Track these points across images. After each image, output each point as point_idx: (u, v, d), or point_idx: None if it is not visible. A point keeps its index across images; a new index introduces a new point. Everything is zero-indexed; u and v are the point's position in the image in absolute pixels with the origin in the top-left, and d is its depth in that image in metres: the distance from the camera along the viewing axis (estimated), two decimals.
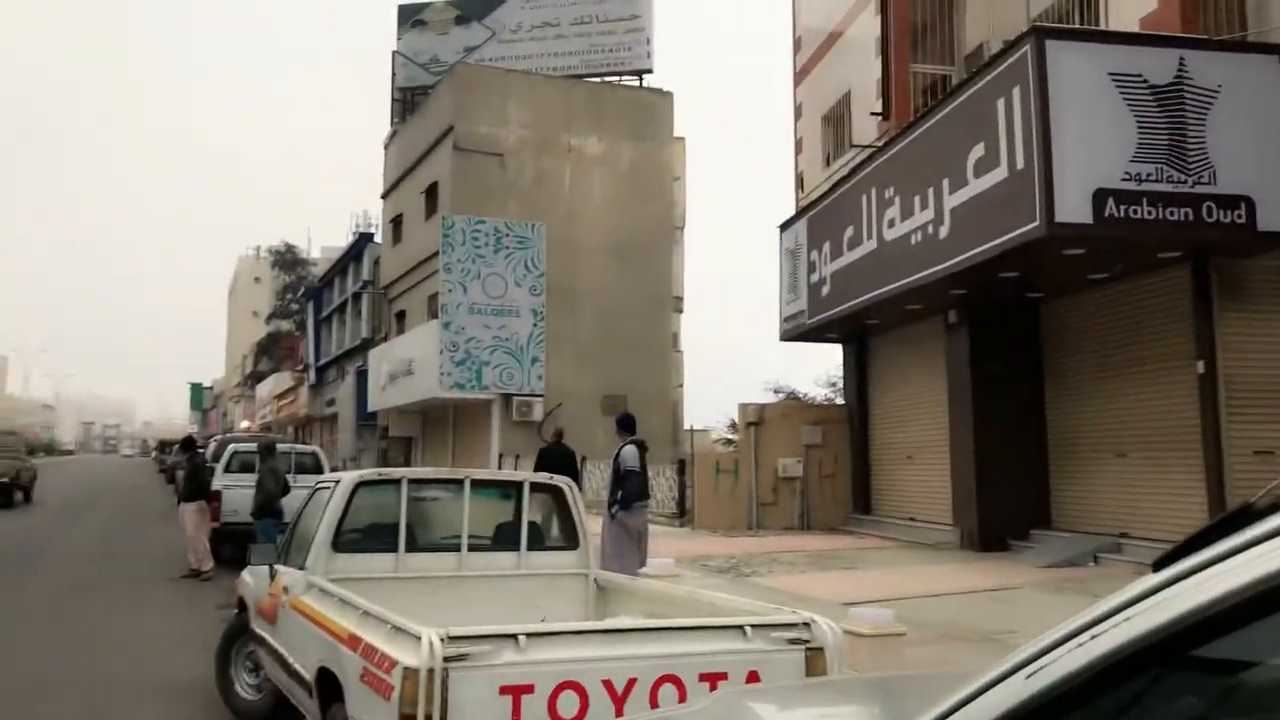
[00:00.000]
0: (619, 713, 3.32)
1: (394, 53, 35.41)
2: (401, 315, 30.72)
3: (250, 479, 13.44)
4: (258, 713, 5.89)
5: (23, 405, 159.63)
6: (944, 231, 11.63)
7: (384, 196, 33.22)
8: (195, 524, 12.60)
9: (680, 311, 32.67)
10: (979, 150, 10.85)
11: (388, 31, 35.49)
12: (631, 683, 3.37)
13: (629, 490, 9.81)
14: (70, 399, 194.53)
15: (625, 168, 27.21)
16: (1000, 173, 10.44)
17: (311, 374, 45.81)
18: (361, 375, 32.60)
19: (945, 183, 11.55)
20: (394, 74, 35.43)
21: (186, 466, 13.36)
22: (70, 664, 7.44)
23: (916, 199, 12.27)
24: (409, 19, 35.12)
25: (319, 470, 15.78)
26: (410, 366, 25.81)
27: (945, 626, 7.87)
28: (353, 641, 3.75)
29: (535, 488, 5.66)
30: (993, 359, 13.19)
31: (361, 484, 5.28)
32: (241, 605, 6.28)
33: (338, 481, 5.32)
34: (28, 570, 12.96)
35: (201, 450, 13.62)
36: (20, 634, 8.64)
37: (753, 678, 3.54)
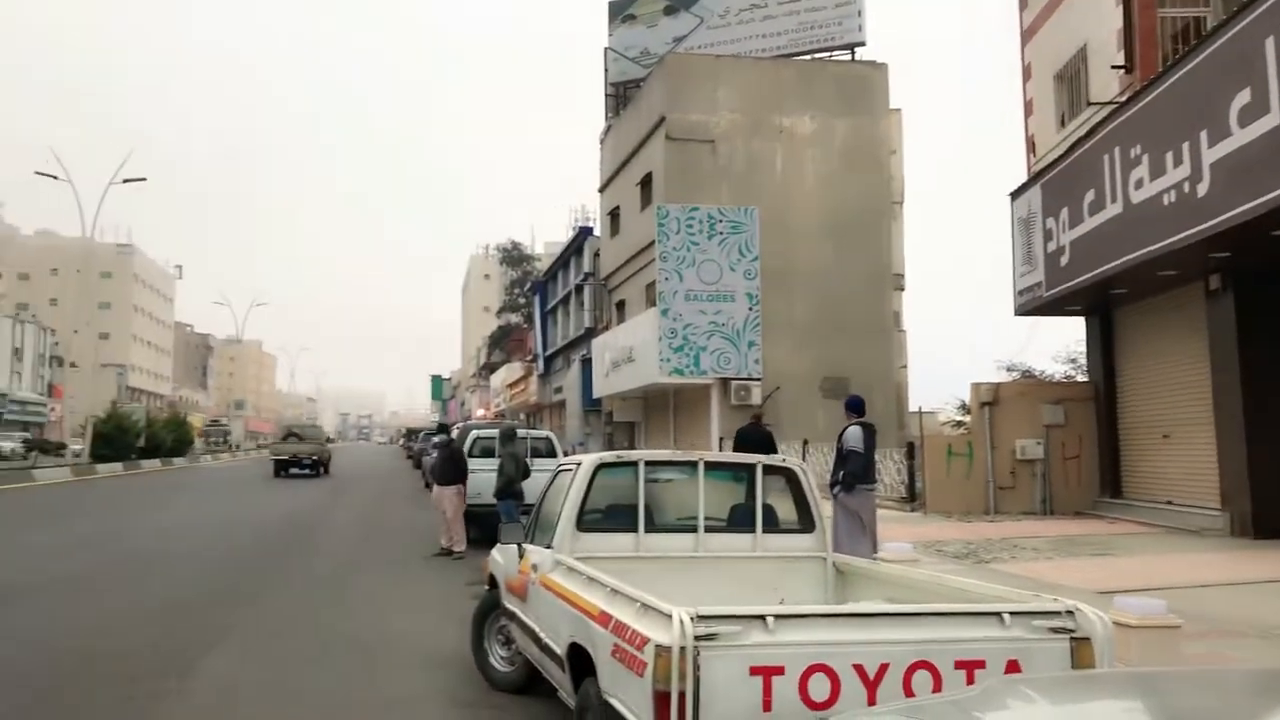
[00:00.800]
0: (871, 699, 3.26)
1: (605, 49, 36.28)
2: (621, 304, 31.54)
3: (491, 463, 14.26)
4: (511, 683, 6.23)
5: (290, 399, 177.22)
6: (1203, 189, 10.56)
7: (601, 190, 34.19)
8: (455, 506, 13.34)
9: (901, 289, 31.54)
10: (1244, 97, 9.77)
11: (602, 29, 36.34)
12: (884, 668, 3.30)
13: (850, 470, 9.63)
14: (329, 393, 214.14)
15: (839, 144, 26.58)
16: (1270, 120, 9.36)
17: (540, 363, 47.96)
18: (586, 363, 33.78)
19: (1203, 135, 10.48)
20: (606, 70, 36.31)
21: (444, 451, 14.00)
22: (345, 632, 8.18)
23: (1169, 155, 11.21)
24: (619, 14, 35.86)
25: (553, 454, 16.51)
26: (631, 354, 26.46)
27: (1217, 619, 7.18)
28: (603, 618, 3.89)
29: (769, 470, 5.65)
30: (1264, 326, 11.88)
31: (601, 466, 5.46)
32: (492, 582, 6.66)
33: (579, 464, 5.53)
34: (306, 547, 14.38)
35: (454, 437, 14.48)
36: (305, 604, 9.60)
37: (1012, 667, 3.38)
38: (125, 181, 44.17)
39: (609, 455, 5.57)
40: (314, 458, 36.16)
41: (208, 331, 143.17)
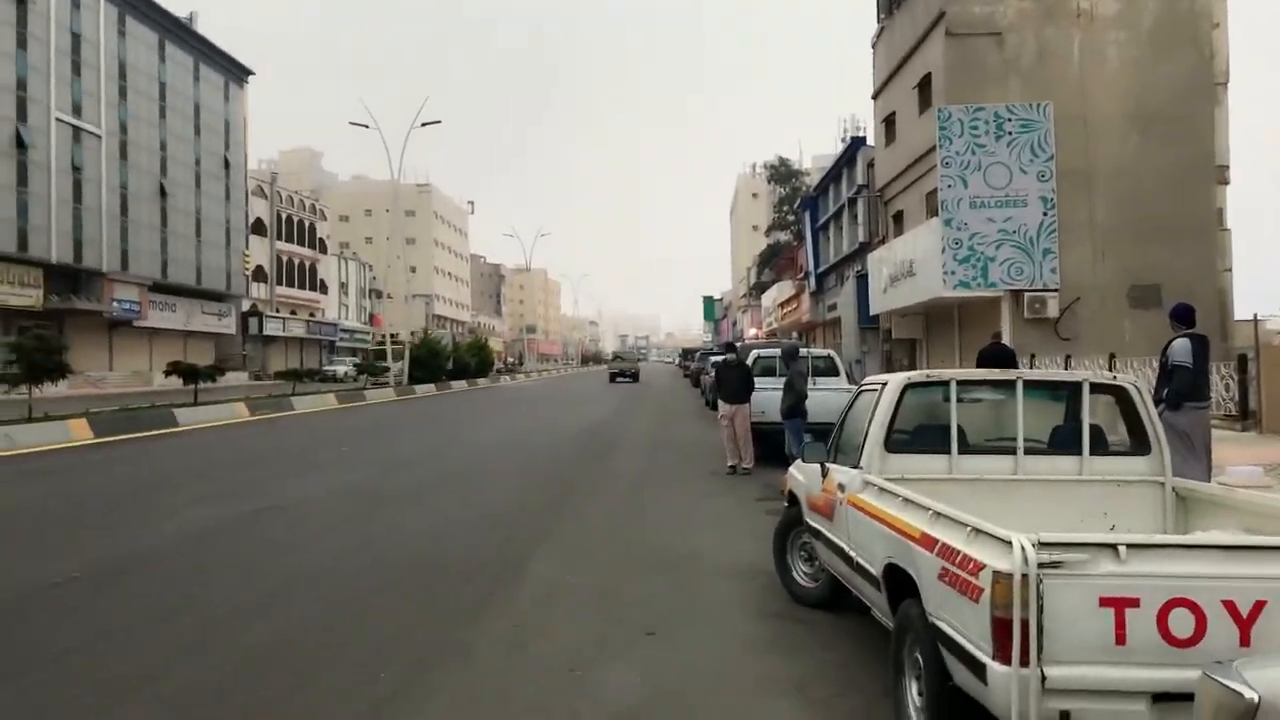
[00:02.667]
0: (1245, 640, 2.99)
1: None
2: (899, 216, 30.27)
3: (773, 382, 14.34)
4: (816, 599, 6.33)
5: (574, 322, 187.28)
6: None
7: (874, 97, 32.69)
8: (744, 424, 13.56)
9: (1226, 183, 27.76)
10: None
11: None
12: (1259, 606, 3.00)
13: (1176, 387, 8.75)
14: (608, 316, 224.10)
15: (1149, 23, 23.60)
16: None
17: (811, 281, 47.32)
18: (861, 279, 32.90)
19: None
20: None
21: (733, 370, 14.09)
22: (650, 542, 8.65)
23: None
24: None
25: (834, 372, 16.33)
26: (911, 268, 25.41)
27: None
28: (927, 541, 3.82)
29: (1096, 388, 5.24)
30: None
31: (910, 386, 5.31)
32: (792, 499, 6.74)
33: (885, 383, 5.41)
34: (603, 461, 15.29)
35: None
36: (609, 516, 10.23)
37: None
38: (424, 125, 47.95)
39: (917, 374, 5.40)
40: (632, 371, 62.10)
41: (499, 261, 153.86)
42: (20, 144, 43.87)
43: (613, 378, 59.91)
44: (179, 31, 58.94)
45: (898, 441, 5.26)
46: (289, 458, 16.46)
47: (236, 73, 66.34)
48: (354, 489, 12.09)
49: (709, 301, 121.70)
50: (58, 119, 46.69)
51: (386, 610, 6.32)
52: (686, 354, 70.65)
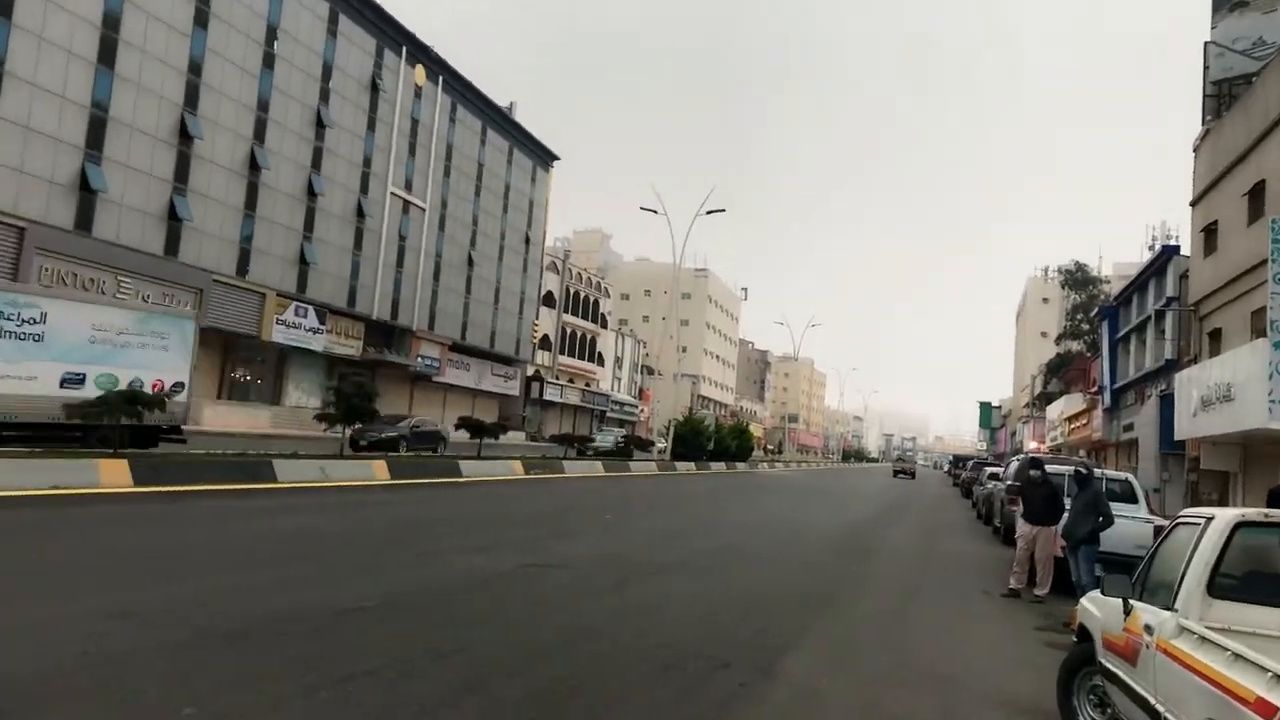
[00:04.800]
0: None
1: (1207, 43, 31.82)
2: (1215, 334, 27.32)
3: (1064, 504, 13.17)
4: None
5: (838, 416, 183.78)
6: None
7: (1193, 204, 30.00)
8: (1047, 548, 12.36)
9: None
10: None
11: (1189, 23, 32.05)
12: None
13: None
14: (874, 412, 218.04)
15: None
16: None
17: (1106, 397, 43.63)
18: (1165, 400, 29.87)
19: None
20: (1206, 66, 31.81)
21: (1041, 489, 12.76)
22: (917, 656, 8.13)
23: None
24: (1226, 4, 31.26)
25: (1131, 499, 14.83)
26: (1229, 392, 22.73)
27: None
28: (1264, 708, 3.30)
29: None
30: None
31: (1241, 525, 4.69)
32: (1082, 634, 6.11)
33: (1209, 519, 4.82)
34: (868, 563, 14.70)
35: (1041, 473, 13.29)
36: (873, 620, 9.76)
37: None
38: (709, 213, 49.67)
39: (1251, 513, 4.75)
40: (910, 470, 75.60)
41: (766, 348, 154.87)
42: (360, 213, 50.14)
43: (895, 473, 74.32)
44: (499, 119, 65.33)
45: (1223, 586, 4.64)
46: (557, 518, 17.18)
47: (544, 158, 72.38)
48: (616, 556, 12.37)
49: (986, 408, 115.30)
50: (392, 193, 52.98)
51: (638, 687, 6.34)
52: (958, 461, 67.03)
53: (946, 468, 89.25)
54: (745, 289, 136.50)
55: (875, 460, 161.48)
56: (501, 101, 65.91)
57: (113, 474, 14.07)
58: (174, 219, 38.42)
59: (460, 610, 8.10)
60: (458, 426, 29.31)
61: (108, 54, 35.22)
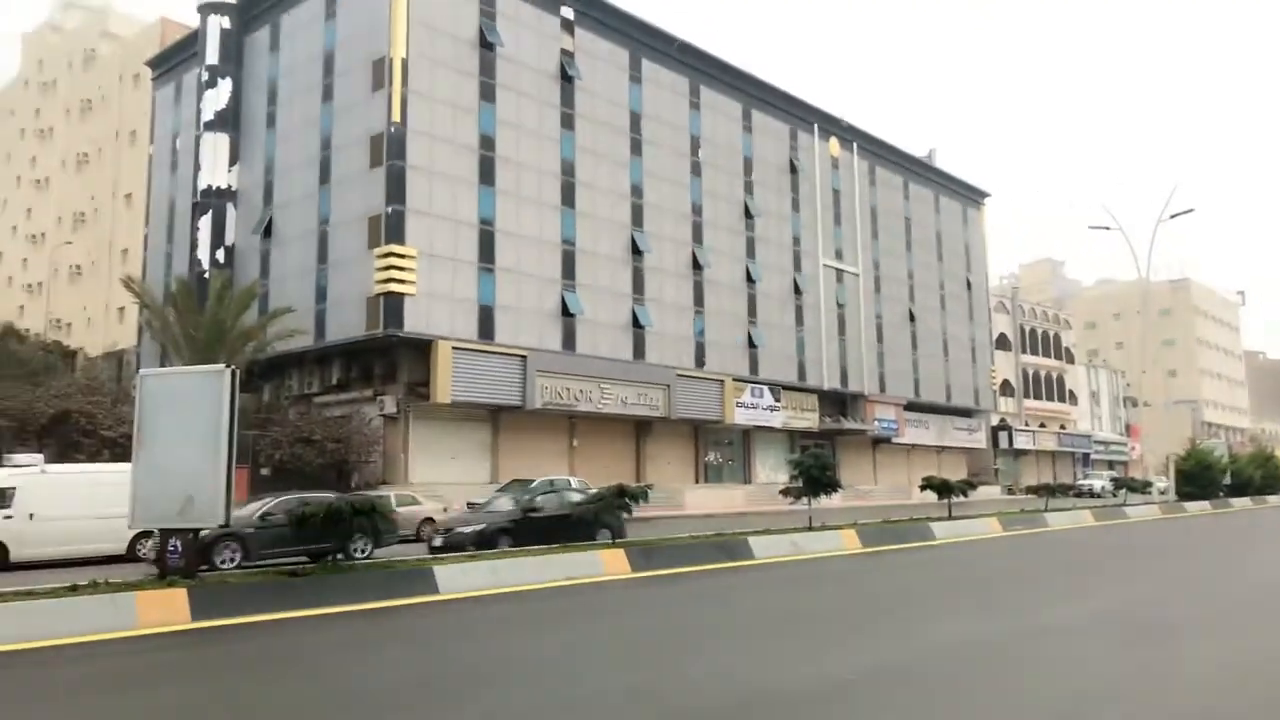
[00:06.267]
0: None
1: None
2: None
3: None
4: None
5: None
6: None
7: None
8: None
9: None
10: None
11: None
12: None
13: None
14: None
15: None
16: None
17: None
18: None
19: None
20: None
21: None
22: None
23: None
24: None
25: None
26: None
27: None
28: None
29: None
30: None
31: None
32: None
33: None
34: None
35: None
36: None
37: None
38: (1172, 217, 44.00)
39: None
40: None
41: None
42: (797, 290, 51.87)
43: None
44: (919, 170, 64.21)
45: None
46: (1043, 577, 15.86)
47: (973, 197, 69.47)
48: (1118, 616, 11.06)
49: None
50: (825, 265, 54.15)
51: None
52: None
53: None
54: (1241, 292, 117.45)
55: None
56: (918, 150, 64.90)
57: (614, 563, 15.71)
58: (637, 326, 42.80)
59: (944, 682, 7.74)
60: (922, 487, 28.50)
61: (569, 196, 40.79)
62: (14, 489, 19.21)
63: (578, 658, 9.05)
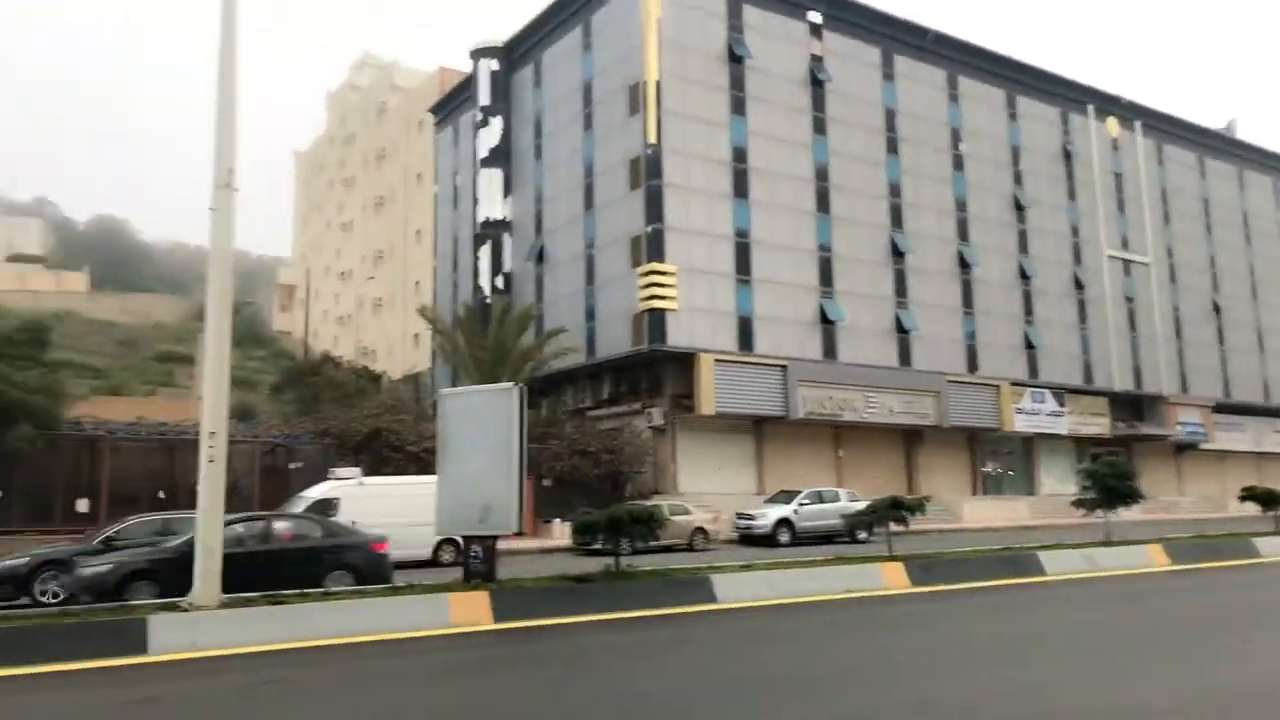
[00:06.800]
0: None
1: None
2: None
3: None
4: None
5: None
6: None
7: None
8: None
9: None
10: None
11: None
12: None
13: None
14: None
15: None
16: None
17: None
18: None
19: None
20: None
21: None
22: None
23: None
24: None
25: None
26: None
27: None
28: None
29: None
30: None
31: None
32: None
33: None
34: None
35: None
36: None
37: None
38: None
39: None
40: None
41: None
42: (1078, 285, 48.05)
43: None
44: (1217, 144, 57.65)
45: None
46: None
47: None
48: None
49: None
50: (1109, 256, 49.80)
51: None
52: None
53: None
54: None
55: None
56: (1214, 122, 58.26)
57: (892, 576, 15.22)
58: (901, 331, 41.37)
59: None
60: (1241, 498, 25.41)
61: (824, 202, 40.24)
62: (338, 499, 21.62)
63: (877, 668, 8.83)
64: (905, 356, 41.45)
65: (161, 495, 26.44)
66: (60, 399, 26.80)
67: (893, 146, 42.90)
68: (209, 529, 11.32)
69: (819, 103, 40.85)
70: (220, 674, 9.01)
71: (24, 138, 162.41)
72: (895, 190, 42.61)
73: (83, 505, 25.27)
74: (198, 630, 10.09)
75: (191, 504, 12.42)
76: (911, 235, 42.50)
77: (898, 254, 41.89)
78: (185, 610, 10.68)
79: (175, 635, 9.88)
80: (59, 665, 8.86)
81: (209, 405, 11.60)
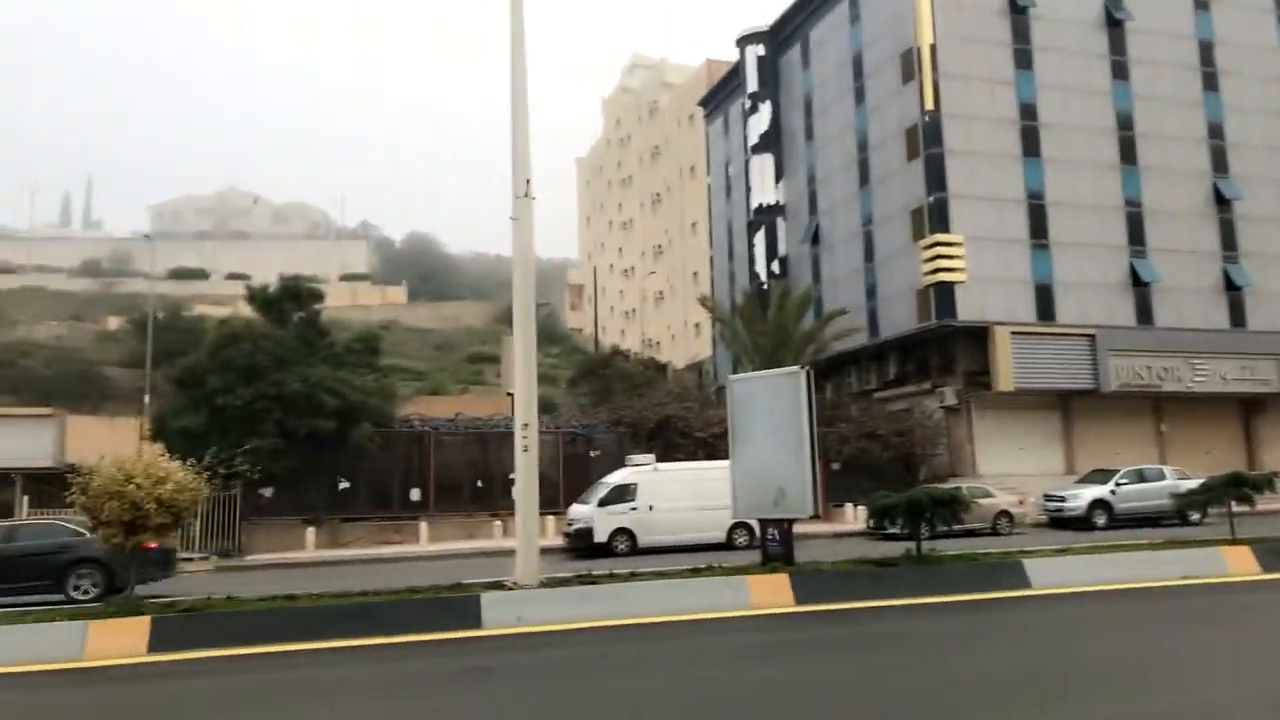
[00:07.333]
0: None
1: None
2: None
3: None
4: None
5: None
6: None
7: None
8: None
9: None
10: None
11: None
12: None
13: None
14: None
15: None
16: None
17: None
18: None
19: None
20: None
21: None
22: None
23: None
24: None
25: None
26: None
27: None
28: None
29: None
30: None
31: None
32: None
33: None
34: None
35: None
36: None
37: None
38: None
39: None
40: None
41: None
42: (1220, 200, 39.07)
43: None
44: None
45: None
46: None
47: None
48: None
49: None
50: None
51: None
52: None
53: None
54: None
55: None
56: None
57: (1238, 562, 13.55)
58: (1232, 289, 36.71)
59: None
60: None
61: (1128, 152, 36.47)
62: (636, 484, 22.59)
63: (1212, 662, 7.93)
64: (1238, 317, 36.76)
65: (479, 484, 28.94)
66: (392, 400, 29.94)
67: (1211, 82, 38.10)
68: (528, 512, 12.20)
69: (1118, 45, 37.11)
70: (545, 648, 9.69)
71: (345, 166, 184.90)
72: (1216, 131, 37.83)
73: (415, 494, 28.19)
74: (523, 607, 10.91)
75: (505, 491, 13.49)
76: (1240, 180, 37.55)
77: (1222, 202, 37.18)
78: (510, 589, 11.59)
79: (503, 612, 10.74)
80: (405, 637, 9.90)
81: (520, 399, 12.51)
